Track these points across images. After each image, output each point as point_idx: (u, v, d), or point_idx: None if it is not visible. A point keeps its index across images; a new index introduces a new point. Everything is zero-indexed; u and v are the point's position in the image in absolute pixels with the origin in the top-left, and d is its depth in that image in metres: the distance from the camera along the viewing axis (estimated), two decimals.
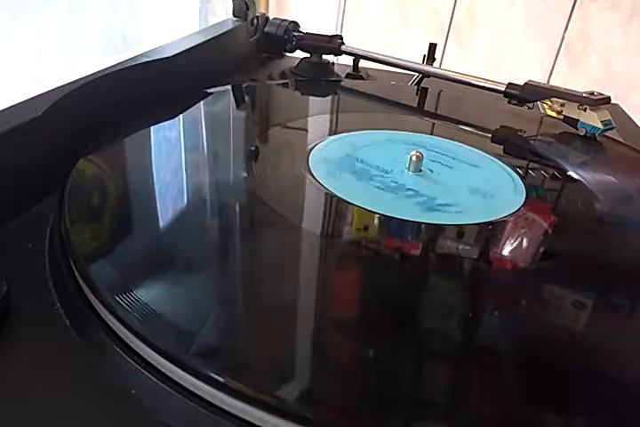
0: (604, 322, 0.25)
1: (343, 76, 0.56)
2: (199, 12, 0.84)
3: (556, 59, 0.88)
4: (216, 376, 0.19)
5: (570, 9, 0.84)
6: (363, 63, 0.57)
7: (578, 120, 0.44)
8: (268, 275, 0.26)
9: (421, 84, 0.55)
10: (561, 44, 0.87)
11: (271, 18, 0.60)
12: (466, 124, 0.45)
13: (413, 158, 0.35)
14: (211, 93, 0.44)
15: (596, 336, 0.25)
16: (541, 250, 0.30)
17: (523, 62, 0.89)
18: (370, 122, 0.43)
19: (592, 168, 0.39)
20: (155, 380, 0.20)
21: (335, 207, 0.31)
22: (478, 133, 0.44)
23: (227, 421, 0.19)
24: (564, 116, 0.45)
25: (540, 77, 0.88)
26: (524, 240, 0.30)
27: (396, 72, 0.56)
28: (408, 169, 0.35)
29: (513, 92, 0.47)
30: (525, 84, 0.46)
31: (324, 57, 0.56)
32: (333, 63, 0.57)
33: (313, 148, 0.37)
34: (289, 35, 0.58)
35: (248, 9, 0.56)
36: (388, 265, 0.28)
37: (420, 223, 0.30)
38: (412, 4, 0.90)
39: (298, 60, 0.57)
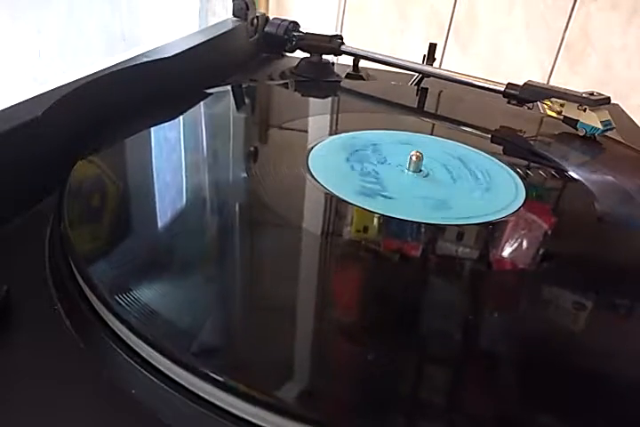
0: (604, 323, 0.25)
1: (343, 76, 0.56)
2: (199, 12, 0.84)
3: (555, 59, 0.88)
4: (216, 375, 0.19)
5: (570, 9, 0.84)
6: (363, 63, 0.57)
7: (577, 120, 0.44)
8: (267, 275, 0.26)
9: (421, 85, 0.55)
10: (561, 44, 0.87)
11: (271, 18, 0.60)
12: (466, 125, 0.45)
13: (413, 158, 0.35)
14: (211, 94, 0.44)
15: (596, 337, 0.25)
16: (541, 250, 0.30)
17: (523, 62, 0.89)
18: (370, 122, 0.43)
19: (592, 168, 0.39)
20: (155, 380, 0.20)
21: (335, 207, 0.31)
22: (478, 134, 0.44)
23: (227, 421, 0.19)
24: (564, 116, 0.45)
25: (539, 77, 0.88)
26: (524, 240, 0.30)
27: (396, 72, 0.56)
28: (408, 169, 0.35)
29: (512, 92, 0.47)
30: (525, 84, 0.46)
31: (324, 57, 0.56)
32: (333, 63, 0.57)
33: (313, 148, 0.37)
34: (289, 35, 0.58)
35: (248, 9, 0.56)
36: (388, 265, 0.28)
37: (420, 223, 0.30)
38: (412, 5, 0.90)
39: (298, 60, 0.57)
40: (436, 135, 0.42)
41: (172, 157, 0.35)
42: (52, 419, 0.19)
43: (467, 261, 0.28)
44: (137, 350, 0.21)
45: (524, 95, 0.46)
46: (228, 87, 0.46)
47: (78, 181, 0.30)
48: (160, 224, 0.28)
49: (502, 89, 0.47)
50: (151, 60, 0.41)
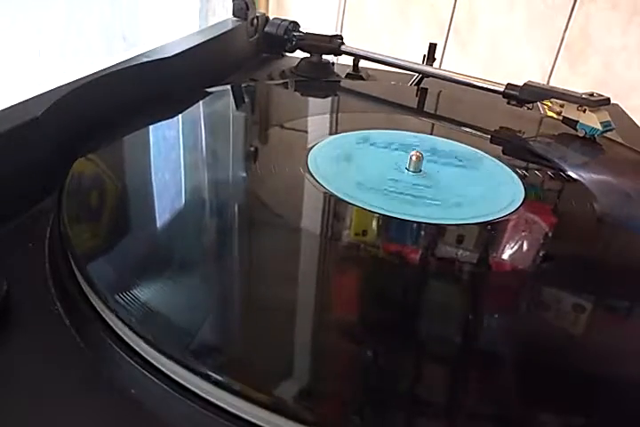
0: (604, 324, 0.25)
1: (343, 76, 0.56)
2: (199, 12, 0.84)
3: (555, 59, 0.88)
4: (215, 375, 0.19)
5: (570, 9, 0.84)
6: (363, 63, 0.57)
7: (577, 121, 0.44)
8: (266, 275, 0.26)
9: (421, 85, 0.55)
10: (561, 44, 0.87)
11: (271, 18, 0.60)
12: (465, 125, 0.45)
13: (413, 158, 0.35)
14: (210, 93, 0.44)
15: (596, 339, 0.25)
16: (540, 251, 0.30)
17: (523, 62, 0.89)
18: (369, 122, 0.43)
19: (591, 169, 0.39)
20: (154, 379, 0.20)
21: (334, 207, 0.31)
22: (478, 134, 0.44)
23: (226, 421, 0.19)
24: (564, 117, 0.45)
25: (539, 77, 0.88)
26: (523, 241, 0.30)
27: (396, 72, 0.56)
28: (408, 169, 0.35)
29: (512, 92, 0.47)
30: (524, 84, 0.46)
31: (324, 57, 0.56)
32: (333, 63, 0.57)
33: (312, 147, 0.37)
34: (289, 35, 0.58)
35: (248, 9, 0.56)
36: (387, 266, 0.28)
37: (419, 223, 0.30)
38: (412, 4, 0.90)
39: (298, 60, 0.57)
40: (435, 135, 0.42)
41: (172, 156, 0.35)
42: (52, 418, 0.19)
43: (465, 262, 0.28)
44: (137, 349, 0.21)
45: (524, 96, 0.46)
46: (228, 87, 0.46)
47: (77, 179, 0.30)
48: (159, 223, 0.28)
49: (502, 89, 0.47)
50: (151, 60, 0.41)
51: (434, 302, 0.26)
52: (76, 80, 0.35)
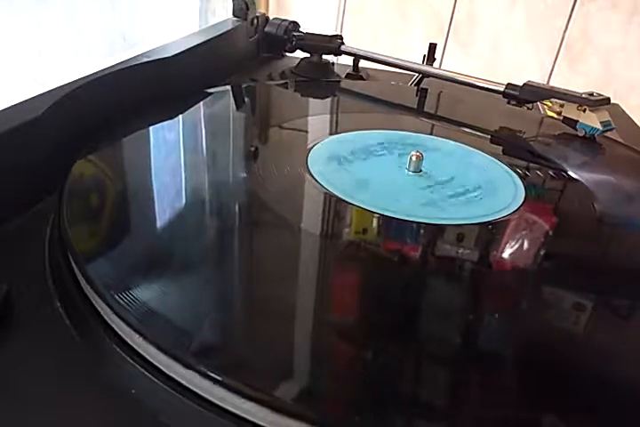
0: (604, 323, 0.25)
1: (343, 76, 0.56)
2: (199, 12, 0.84)
3: (556, 59, 0.88)
4: (216, 375, 0.19)
5: (570, 9, 0.84)
6: (363, 63, 0.57)
7: (577, 121, 0.44)
8: (266, 275, 0.26)
9: (421, 85, 0.55)
10: (561, 44, 0.87)
11: (271, 18, 0.60)
12: (465, 125, 0.45)
13: (413, 159, 0.35)
14: (210, 93, 0.44)
15: (597, 338, 0.25)
16: (540, 250, 0.30)
17: (523, 62, 0.89)
18: (369, 122, 0.43)
19: (591, 169, 0.39)
20: (154, 379, 0.20)
21: (334, 207, 0.31)
22: (478, 134, 0.44)
23: (226, 420, 0.19)
24: (564, 116, 0.45)
25: (539, 77, 0.88)
26: (524, 240, 0.30)
27: (396, 72, 0.56)
28: (408, 169, 0.35)
29: (512, 92, 0.47)
30: (524, 84, 0.46)
31: (324, 57, 0.56)
32: (333, 63, 0.57)
33: (312, 148, 0.37)
34: (289, 35, 0.58)
35: (248, 9, 0.56)
36: (387, 266, 0.28)
37: (419, 223, 0.30)
38: (412, 4, 0.90)
39: (298, 60, 0.57)
40: (435, 135, 0.42)
41: (172, 156, 0.35)
42: (53, 419, 0.19)
43: (466, 262, 0.28)
44: (137, 348, 0.21)
45: (524, 95, 0.46)
46: (228, 87, 0.46)
47: (78, 180, 0.30)
48: (159, 223, 0.28)
49: (502, 89, 0.47)
50: (151, 60, 0.41)
51: (434, 302, 0.26)
52: (76, 80, 0.35)
